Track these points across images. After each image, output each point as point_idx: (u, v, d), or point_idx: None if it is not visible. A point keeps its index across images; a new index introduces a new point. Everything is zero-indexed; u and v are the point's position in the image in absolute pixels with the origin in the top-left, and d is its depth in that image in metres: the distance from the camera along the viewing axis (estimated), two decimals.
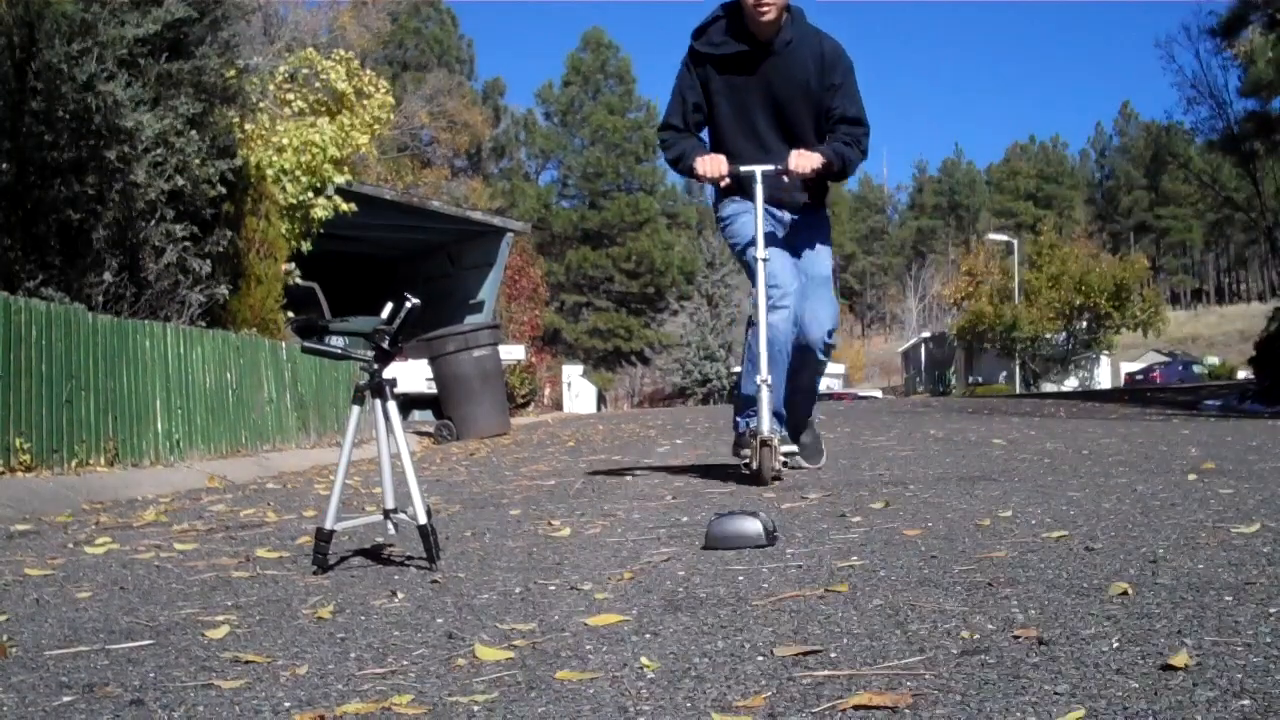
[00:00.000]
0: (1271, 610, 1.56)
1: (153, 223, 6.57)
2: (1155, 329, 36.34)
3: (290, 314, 8.76)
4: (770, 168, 3.79)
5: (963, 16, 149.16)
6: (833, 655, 1.49)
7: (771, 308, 3.79)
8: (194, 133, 6.63)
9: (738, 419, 4.08)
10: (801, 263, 4.00)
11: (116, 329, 5.72)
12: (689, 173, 3.92)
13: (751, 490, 3.58)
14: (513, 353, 15.96)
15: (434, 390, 10.41)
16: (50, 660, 1.73)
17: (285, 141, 10.45)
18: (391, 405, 2.42)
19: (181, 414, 6.30)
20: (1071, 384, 35.82)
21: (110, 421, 5.57)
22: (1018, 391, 32.06)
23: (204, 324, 7.10)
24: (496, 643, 1.68)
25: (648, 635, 1.67)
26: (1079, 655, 1.39)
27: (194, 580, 2.47)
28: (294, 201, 10.22)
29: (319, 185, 10.58)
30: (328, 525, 2.42)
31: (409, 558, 2.58)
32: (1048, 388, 34.17)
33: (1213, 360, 45.48)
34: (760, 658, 1.50)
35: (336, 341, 2.63)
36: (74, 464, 5.18)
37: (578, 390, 34.03)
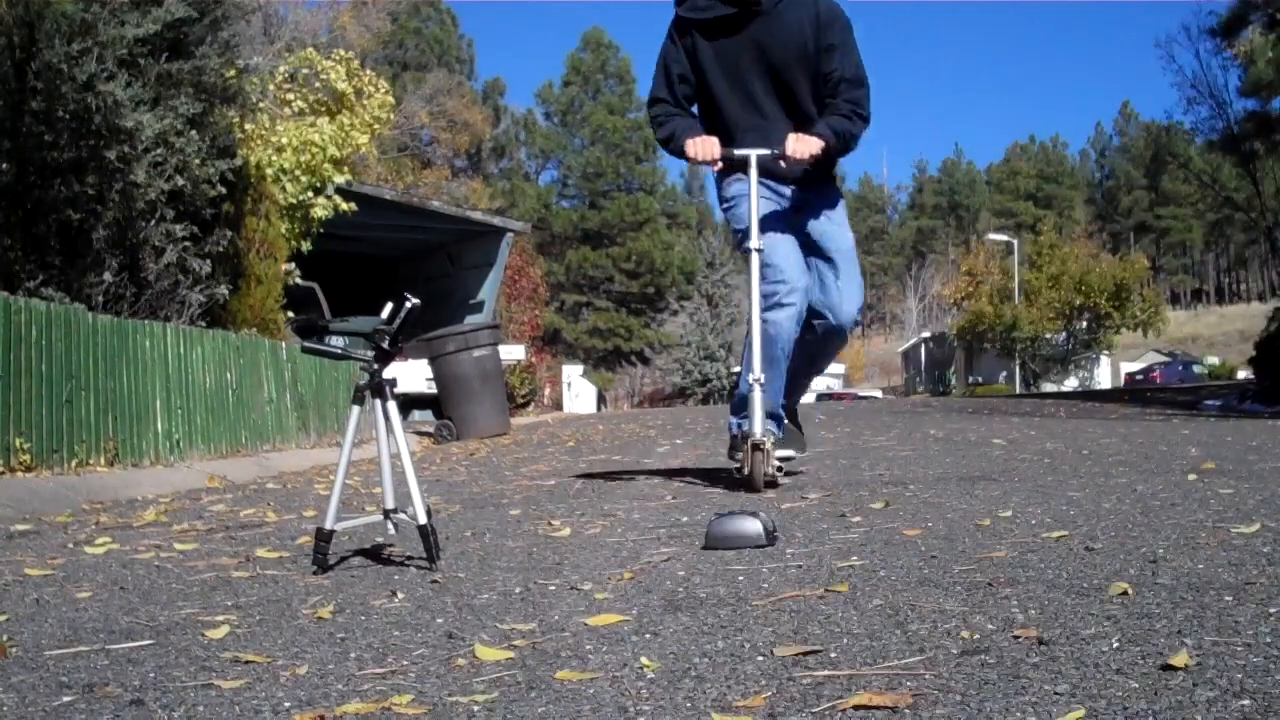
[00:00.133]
0: (1271, 610, 1.56)
1: (153, 223, 6.58)
2: (1155, 329, 36.37)
3: (290, 314, 8.76)
4: (765, 151, 3.59)
5: (963, 16, 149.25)
6: (833, 655, 1.48)
7: (777, 305, 3.58)
8: (194, 133, 6.63)
9: (732, 420, 3.89)
10: (822, 241, 3.76)
11: (116, 329, 5.72)
12: (679, 154, 3.69)
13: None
14: (513, 353, 15.97)
15: (434, 390, 10.41)
16: (50, 660, 1.73)
17: (285, 141, 10.46)
18: (391, 405, 2.42)
19: (181, 414, 6.30)
20: (1071, 384, 35.83)
21: (110, 421, 5.57)
22: (1018, 391, 32.06)
23: (204, 324, 7.10)
24: (496, 643, 1.68)
25: (648, 635, 1.67)
26: (1079, 655, 1.39)
27: (194, 580, 2.47)
28: (294, 201, 10.22)
29: (319, 185, 10.58)
30: (328, 525, 2.42)
31: (409, 558, 2.58)
32: (1048, 388, 34.18)
33: (1213, 360, 45.49)
34: (760, 658, 1.50)
35: (336, 341, 2.63)
36: (74, 464, 5.19)
37: (578, 390, 34.06)
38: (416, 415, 13.52)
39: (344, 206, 10.72)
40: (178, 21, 6.47)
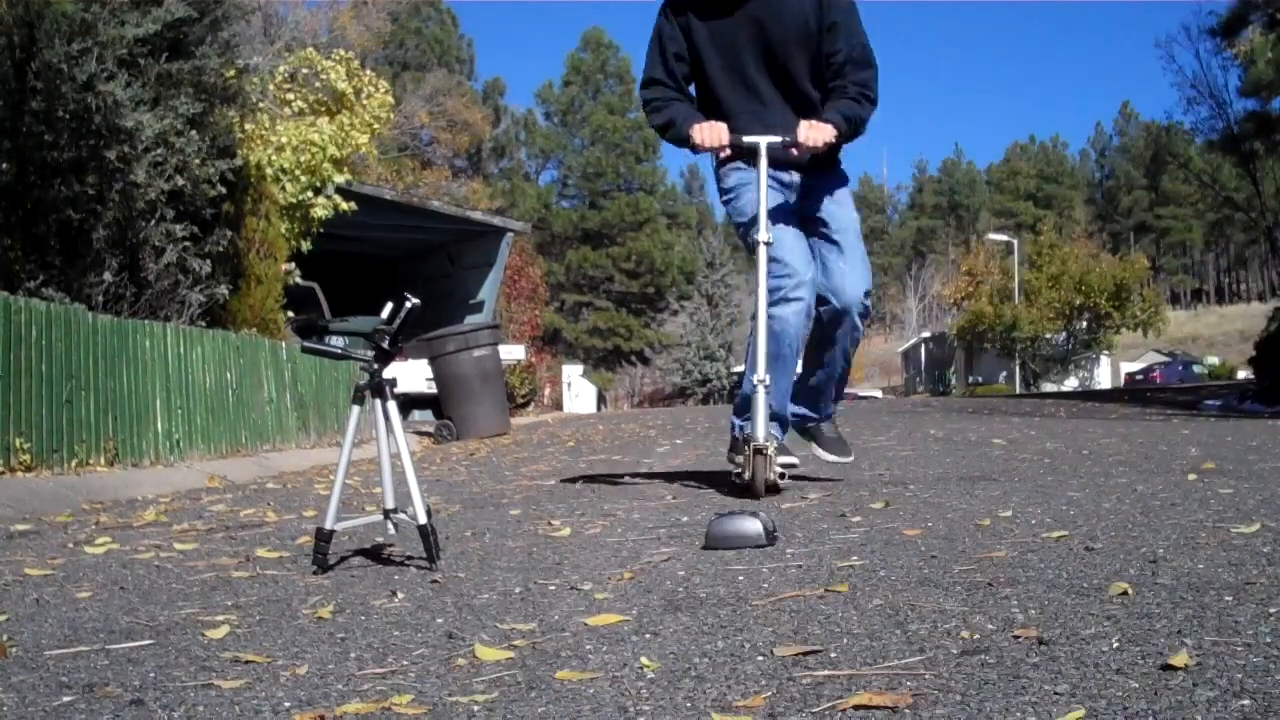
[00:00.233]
0: (1271, 610, 1.56)
1: (153, 223, 6.58)
2: (1155, 329, 36.37)
3: (290, 314, 8.76)
4: (776, 139, 3.38)
5: (963, 16, 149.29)
6: (833, 655, 1.48)
7: (783, 299, 3.37)
8: (194, 133, 6.63)
9: (734, 421, 3.68)
10: (824, 217, 3.57)
11: (116, 329, 5.72)
12: (682, 142, 3.45)
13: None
14: (513, 353, 15.96)
15: (434, 390, 10.42)
16: (50, 660, 1.73)
17: (285, 141, 10.46)
18: (391, 405, 2.42)
19: (181, 414, 6.30)
20: (1071, 384, 35.84)
21: (110, 421, 5.57)
22: (1018, 391, 32.07)
23: (204, 324, 7.10)
24: (496, 643, 1.68)
25: (648, 635, 1.67)
26: (1079, 655, 1.39)
27: (194, 580, 2.47)
28: (294, 201, 10.23)
29: (319, 185, 10.59)
30: (328, 525, 2.42)
31: (409, 558, 2.58)
32: (1048, 388, 34.19)
33: (1213, 360, 45.50)
34: (760, 658, 1.50)
35: (336, 341, 2.63)
36: (74, 464, 5.19)
37: (578, 390, 34.04)
38: (416, 415, 13.52)
39: (344, 206, 10.72)
40: (178, 21, 6.47)
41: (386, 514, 2.50)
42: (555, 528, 2.96)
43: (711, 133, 3.41)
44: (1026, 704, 1.22)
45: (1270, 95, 18.42)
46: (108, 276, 6.31)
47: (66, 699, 1.49)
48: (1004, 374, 37.89)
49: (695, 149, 3.44)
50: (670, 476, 4.34)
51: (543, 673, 1.50)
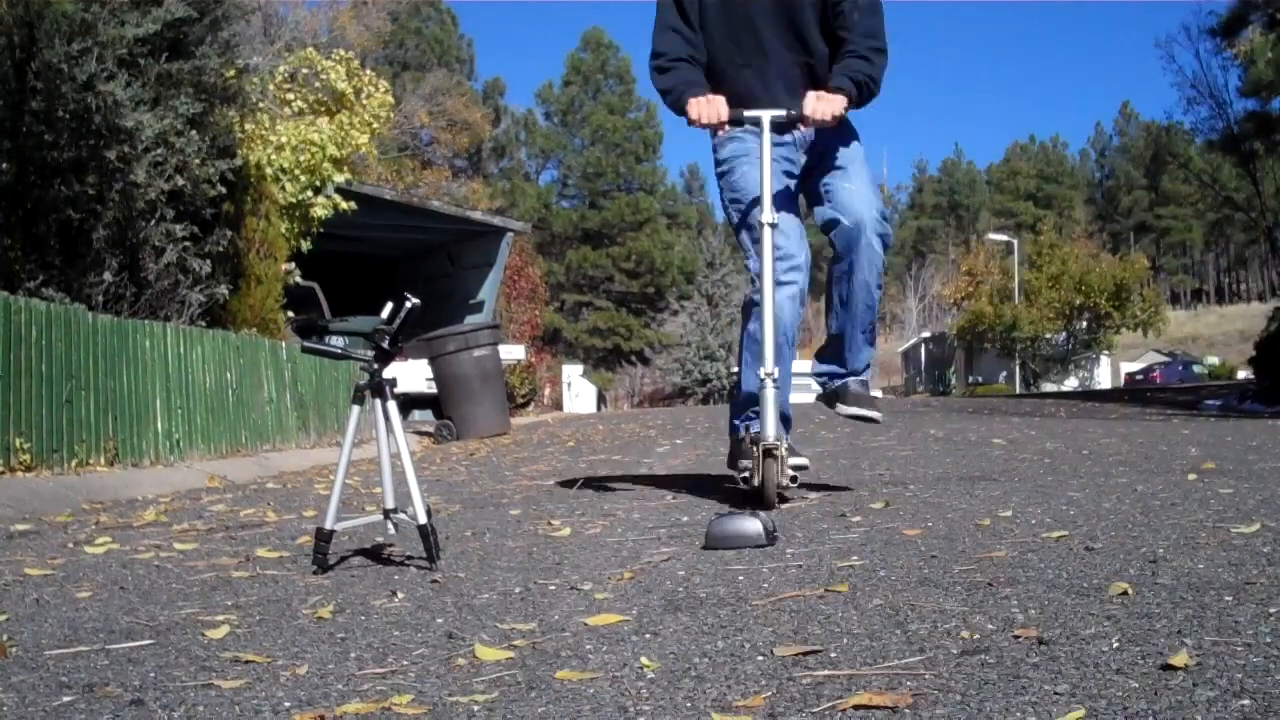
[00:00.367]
0: (1271, 610, 1.56)
1: (153, 223, 6.58)
2: (1155, 329, 36.36)
3: (290, 314, 8.76)
4: (780, 112, 3.18)
5: (963, 16, 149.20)
6: (833, 655, 1.48)
7: (775, 283, 3.14)
8: (194, 133, 6.63)
9: (735, 422, 3.45)
10: (828, 156, 3.34)
11: (116, 329, 5.72)
12: (679, 110, 3.24)
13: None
14: (513, 353, 15.96)
15: (434, 390, 10.42)
16: (50, 660, 1.73)
17: (285, 140, 10.46)
18: (391, 405, 2.42)
19: (181, 414, 6.30)
20: (1071, 384, 35.83)
21: (110, 421, 5.57)
22: (1018, 391, 32.07)
23: (204, 324, 7.10)
24: (496, 643, 1.68)
25: (648, 635, 1.67)
26: (1079, 655, 1.39)
27: (194, 580, 2.47)
28: (293, 200, 10.23)
29: (318, 184, 10.59)
30: (328, 525, 2.42)
31: (409, 558, 2.58)
32: (1048, 388, 34.18)
33: (1213, 360, 45.50)
34: (760, 658, 1.50)
35: (336, 341, 2.63)
36: (74, 464, 5.19)
37: (578, 390, 34.00)
38: (416, 415, 13.52)
39: (344, 206, 10.72)
40: (178, 21, 6.47)
41: (386, 514, 2.50)
42: (555, 528, 2.97)
43: (709, 108, 3.20)
44: (1026, 704, 1.22)
45: (1270, 95, 18.43)
46: (108, 276, 6.31)
47: (66, 699, 1.49)
48: (1004, 374, 37.87)
49: (690, 122, 3.23)
50: (670, 477, 4.34)
51: (543, 673, 1.50)
